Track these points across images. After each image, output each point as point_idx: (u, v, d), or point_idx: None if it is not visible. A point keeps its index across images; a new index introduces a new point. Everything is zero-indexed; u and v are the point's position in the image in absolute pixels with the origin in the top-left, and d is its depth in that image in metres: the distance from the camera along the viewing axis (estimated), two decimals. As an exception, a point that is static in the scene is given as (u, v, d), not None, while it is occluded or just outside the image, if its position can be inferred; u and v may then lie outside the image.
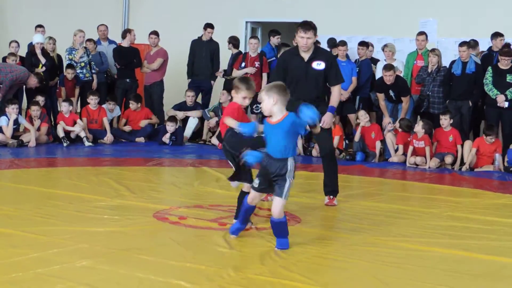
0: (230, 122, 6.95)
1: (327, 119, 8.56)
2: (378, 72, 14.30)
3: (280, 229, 6.58)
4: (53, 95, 15.12)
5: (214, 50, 15.71)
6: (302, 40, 8.44)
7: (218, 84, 15.97)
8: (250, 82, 7.34)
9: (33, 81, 14.15)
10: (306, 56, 8.59)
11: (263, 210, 8.10)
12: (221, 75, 15.53)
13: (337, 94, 8.76)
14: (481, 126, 14.03)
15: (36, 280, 5.28)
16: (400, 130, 13.11)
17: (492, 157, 12.55)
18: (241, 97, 7.23)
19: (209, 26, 15.71)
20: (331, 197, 8.81)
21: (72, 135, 13.90)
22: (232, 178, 7.20)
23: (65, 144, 13.45)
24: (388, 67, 13.46)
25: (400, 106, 13.77)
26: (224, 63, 15.73)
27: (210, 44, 15.69)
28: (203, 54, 15.64)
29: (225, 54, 15.69)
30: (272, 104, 6.49)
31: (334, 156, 9.10)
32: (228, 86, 15.07)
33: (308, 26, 8.46)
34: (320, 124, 8.16)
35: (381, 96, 13.69)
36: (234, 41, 15.49)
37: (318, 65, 8.62)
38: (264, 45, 17.52)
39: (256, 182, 6.70)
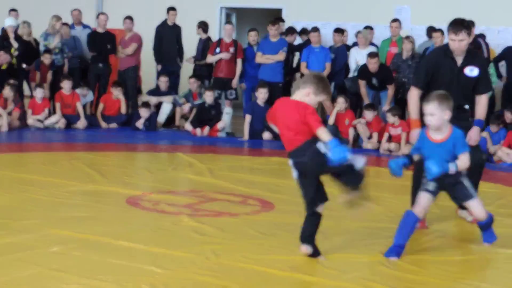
0: (325, 136, 5.71)
1: (474, 136, 7.32)
2: (352, 58, 14.32)
3: (488, 226, 6.49)
4: (28, 79, 15.04)
5: (178, 34, 15.67)
6: (454, 43, 7.26)
7: (185, 68, 15.92)
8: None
9: (3, 58, 14.08)
10: (459, 60, 7.40)
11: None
12: (192, 61, 15.46)
13: (485, 105, 7.53)
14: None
15: (7, 265, 5.27)
16: (388, 119, 12.95)
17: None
18: (318, 100, 5.96)
19: (172, 9, 15.65)
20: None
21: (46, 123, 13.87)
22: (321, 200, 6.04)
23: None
24: (373, 55, 13.46)
25: (382, 93, 13.79)
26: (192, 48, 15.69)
27: (175, 28, 15.66)
28: (169, 38, 15.60)
29: (195, 39, 15.62)
30: (446, 119, 6.04)
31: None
32: (198, 72, 15.10)
33: (460, 26, 7.23)
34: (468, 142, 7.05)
35: (362, 83, 13.69)
36: (203, 26, 15.43)
37: (471, 71, 7.40)
38: (239, 32, 17.53)
39: (432, 185, 6.20)
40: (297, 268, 5.56)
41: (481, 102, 7.48)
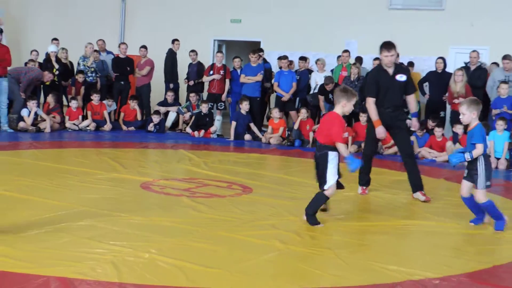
0: (344, 150, 6.07)
1: (415, 123, 8.20)
2: (312, 79, 14.33)
3: (492, 211, 6.39)
4: (65, 93, 15.03)
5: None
6: (387, 58, 7.77)
7: (184, 85, 15.90)
8: (352, 90, 6.53)
9: (48, 76, 14.06)
10: (390, 71, 7.87)
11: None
12: (192, 82, 15.38)
13: (414, 101, 8.13)
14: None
15: (48, 235, 5.25)
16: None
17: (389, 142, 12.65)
18: (352, 104, 6.32)
19: (176, 40, 15.65)
20: (422, 192, 7.91)
21: (80, 126, 13.82)
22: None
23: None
24: (328, 79, 13.54)
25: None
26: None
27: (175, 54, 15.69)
28: (175, 63, 15.59)
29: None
30: (473, 118, 6.25)
31: (414, 155, 8.25)
32: (193, 89, 15.04)
33: (391, 45, 7.80)
34: (412, 128, 8.23)
35: (321, 98, 13.71)
36: (194, 53, 15.43)
37: (401, 77, 7.89)
38: (227, 58, 17.50)
39: (466, 173, 6.43)
40: (271, 237, 5.55)
41: (411, 100, 8.05)
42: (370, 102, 7.86)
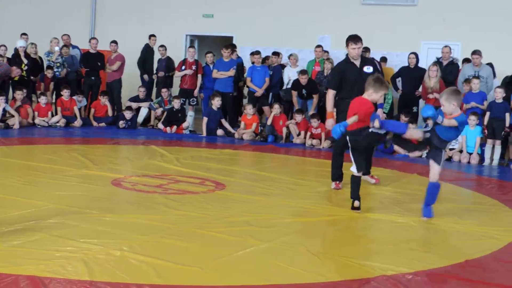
0: (351, 119, 6.53)
1: (382, 114, 8.07)
2: (285, 75, 14.34)
3: (432, 193, 6.50)
4: (34, 89, 14.85)
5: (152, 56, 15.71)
6: (354, 50, 7.94)
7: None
8: (385, 83, 6.75)
9: (16, 71, 13.95)
10: (357, 63, 8.07)
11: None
12: (162, 74, 15.33)
13: None
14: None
15: (18, 232, 5.18)
16: (312, 122, 12.98)
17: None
18: (380, 95, 6.63)
19: (153, 35, 15.66)
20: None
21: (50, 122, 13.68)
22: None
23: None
24: (304, 72, 13.54)
25: (308, 102, 13.81)
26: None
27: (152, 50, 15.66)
28: (149, 58, 15.58)
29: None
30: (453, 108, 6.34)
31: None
32: (162, 84, 14.98)
33: (358, 38, 8.00)
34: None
35: (294, 93, 13.71)
36: (163, 48, 15.38)
37: (368, 69, 8.07)
38: (200, 53, 17.43)
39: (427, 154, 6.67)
40: (245, 233, 5.54)
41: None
42: (330, 94, 8.08)
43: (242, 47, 16.53)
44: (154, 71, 15.57)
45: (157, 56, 15.61)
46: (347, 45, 8.02)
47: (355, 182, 6.78)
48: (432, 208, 6.56)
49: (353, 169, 6.78)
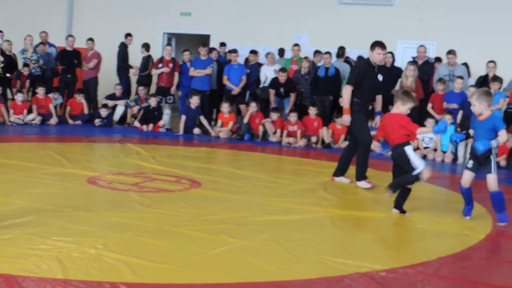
0: (425, 130, 6.81)
1: (379, 120, 8.44)
2: (262, 73, 14.34)
3: (498, 201, 6.40)
4: (10, 86, 14.73)
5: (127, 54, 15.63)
6: (380, 56, 8.04)
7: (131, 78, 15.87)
8: (412, 95, 6.88)
9: None
10: (375, 69, 8.22)
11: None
12: (137, 73, 15.30)
13: (381, 101, 8.55)
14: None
15: (-10, 231, 5.15)
16: (290, 117, 13.00)
17: (340, 138, 12.78)
18: (407, 108, 6.73)
19: (130, 34, 15.57)
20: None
21: (25, 120, 13.57)
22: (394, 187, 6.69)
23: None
24: (283, 69, 13.57)
25: (285, 100, 13.84)
26: (137, 62, 15.57)
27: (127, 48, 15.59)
28: (127, 57, 15.51)
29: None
30: (483, 108, 6.35)
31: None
32: (142, 81, 14.93)
33: (384, 45, 8.09)
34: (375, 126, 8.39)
35: (272, 92, 13.73)
36: (146, 46, 15.34)
37: (380, 77, 8.27)
38: (177, 51, 17.41)
39: (470, 163, 6.51)
40: (220, 231, 5.54)
41: (380, 100, 8.46)
42: (349, 90, 8.12)
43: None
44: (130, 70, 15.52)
45: (133, 54, 15.54)
46: (372, 49, 8.09)
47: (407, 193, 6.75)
48: (506, 214, 6.52)
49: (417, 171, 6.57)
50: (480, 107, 6.38)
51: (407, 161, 6.57)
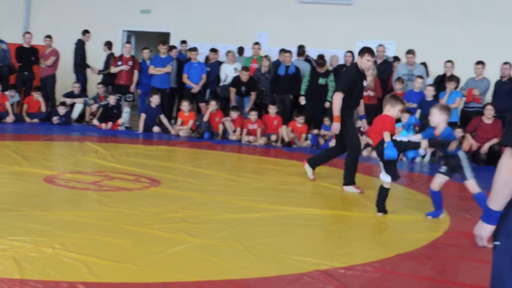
0: (387, 137, 6.64)
1: (365, 124, 8.60)
2: (222, 71, 14.33)
3: (482, 201, 6.41)
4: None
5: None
6: (369, 62, 8.02)
7: (91, 76, 15.76)
8: (400, 98, 7.01)
9: None
10: (362, 75, 8.22)
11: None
12: (96, 71, 15.18)
13: (363, 105, 8.54)
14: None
15: None
16: (250, 115, 13.02)
17: (301, 136, 12.86)
18: (397, 110, 6.87)
19: (87, 31, 15.42)
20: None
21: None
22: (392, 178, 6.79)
23: None
24: (246, 68, 13.56)
25: (245, 99, 13.84)
26: (99, 61, 15.43)
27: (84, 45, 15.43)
28: (85, 54, 15.34)
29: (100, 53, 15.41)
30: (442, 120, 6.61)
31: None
32: (106, 80, 14.81)
33: (373, 51, 8.13)
34: (362, 129, 8.53)
35: (233, 90, 13.72)
36: (109, 45, 15.23)
37: (364, 82, 8.27)
38: (137, 49, 17.28)
39: (443, 168, 6.70)
40: (179, 230, 5.52)
41: (362, 104, 8.43)
42: (340, 98, 8.02)
43: (179, 43, 16.41)
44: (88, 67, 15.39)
45: (93, 52, 15.39)
46: (361, 55, 8.02)
47: (384, 194, 6.84)
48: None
49: (386, 179, 6.75)
50: (439, 119, 6.60)
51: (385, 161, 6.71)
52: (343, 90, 7.99)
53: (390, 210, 6.97)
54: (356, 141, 8.21)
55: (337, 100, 7.99)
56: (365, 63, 8.01)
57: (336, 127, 8.03)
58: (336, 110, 8.01)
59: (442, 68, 13.06)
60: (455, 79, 12.39)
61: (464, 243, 5.89)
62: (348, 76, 8.14)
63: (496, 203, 2.83)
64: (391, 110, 6.86)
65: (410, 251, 5.42)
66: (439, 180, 6.73)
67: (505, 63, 12.47)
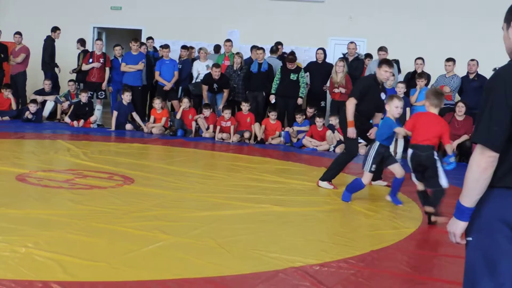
0: (450, 150, 6.52)
1: (374, 131, 8.17)
2: (194, 69, 14.28)
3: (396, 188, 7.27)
4: None
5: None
6: (386, 73, 7.99)
7: (63, 73, 15.58)
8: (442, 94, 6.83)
9: None
10: (379, 86, 8.17)
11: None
12: (71, 70, 15.05)
13: (380, 117, 8.37)
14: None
15: None
16: (224, 113, 12.99)
17: (274, 133, 12.89)
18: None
19: (58, 28, 15.24)
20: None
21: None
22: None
23: None
24: (216, 65, 13.52)
25: (218, 96, 13.81)
26: (69, 58, 15.30)
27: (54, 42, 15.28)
28: (54, 51, 15.19)
29: (72, 51, 15.27)
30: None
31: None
32: (76, 77, 14.73)
33: (392, 63, 8.14)
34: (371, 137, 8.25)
35: (205, 87, 13.67)
36: (81, 42, 15.10)
37: (383, 95, 8.20)
38: (108, 46, 17.16)
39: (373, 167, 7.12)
40: (153, 228, 5.50)
41: (379, 117, 8.26)
42: (353, 103, 8.02)
43: (154, 40, 16.33)
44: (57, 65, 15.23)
45: (63, 49, 15.25)
46: (379, 66, 8.03)
47: (441, 196, 6.48)
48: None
49: (444, 182, 6.44)
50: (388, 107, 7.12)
51: (435, 167, 6.46)
52: (355, 96, 8.05)
53: (363, 206, 7.02)
54: (355, 149, 8.23)
55: (349, 106, 8.06)
56: (383, 74, 8.03)
57: (350, 131, 8.06)
58: (350, 115, 8.06)
59: (413, 65, 13.15)
60: (425, 76, 12.50)
61: (437, 239, 5.96)
62: (362, 83, 8.26)
63: (468, 199, 2.85)
64: (435, 110, 6.58)
65: (385, 247, 5.46)
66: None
67: (472, 59, 12.60)
